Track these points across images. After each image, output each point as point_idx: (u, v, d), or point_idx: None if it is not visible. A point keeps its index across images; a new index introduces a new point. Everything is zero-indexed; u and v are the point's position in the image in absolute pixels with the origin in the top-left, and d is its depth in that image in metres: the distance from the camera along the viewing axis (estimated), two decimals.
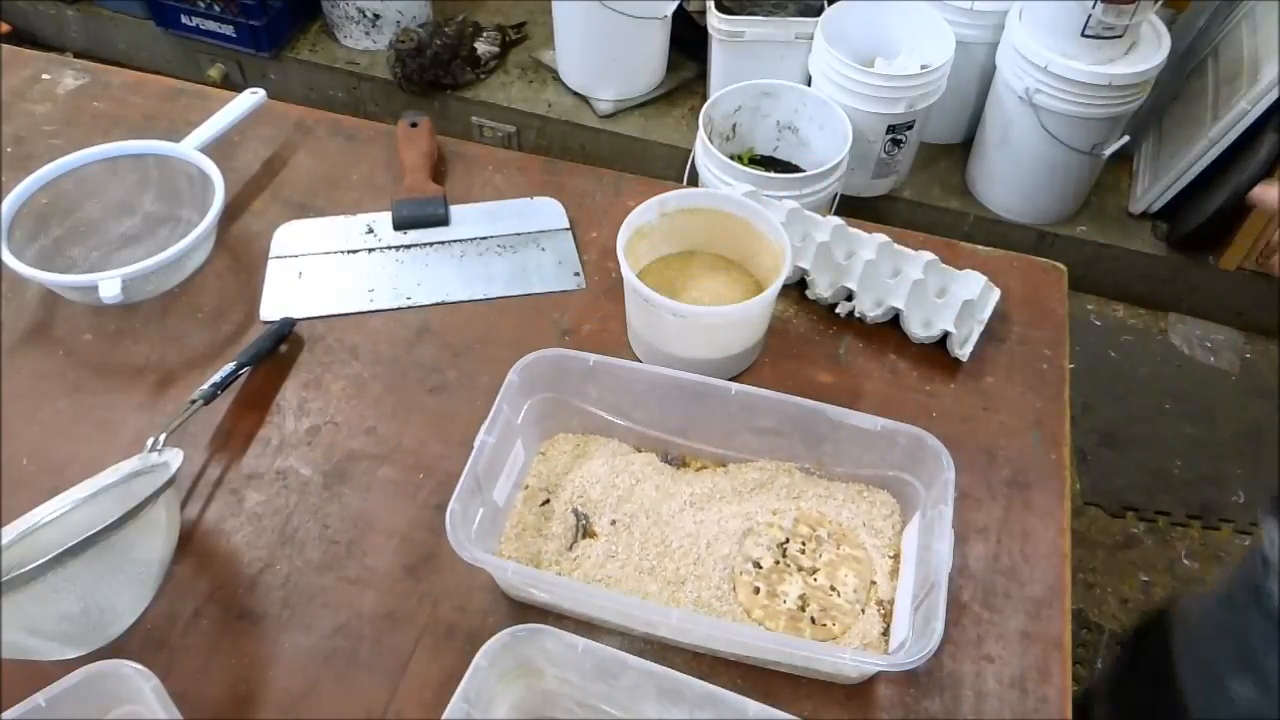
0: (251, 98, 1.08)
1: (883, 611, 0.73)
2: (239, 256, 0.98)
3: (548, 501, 0.79)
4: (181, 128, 1.03)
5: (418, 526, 0.78)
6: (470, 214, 1.02)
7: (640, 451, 0.82)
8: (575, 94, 2.16)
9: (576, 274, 0.97)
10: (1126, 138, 1.84)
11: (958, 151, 2.08)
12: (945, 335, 0.89)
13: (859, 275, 0.92)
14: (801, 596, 0.73)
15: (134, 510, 0.65)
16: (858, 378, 0.89)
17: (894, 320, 0.92)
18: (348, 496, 0.80)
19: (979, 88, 1.96)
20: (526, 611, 0.73)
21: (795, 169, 1.84)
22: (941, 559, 0.66)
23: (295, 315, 0.92)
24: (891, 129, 1.83)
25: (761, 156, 1.88)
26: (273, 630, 0.73)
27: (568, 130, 2.15)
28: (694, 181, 1.75)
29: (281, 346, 0.90)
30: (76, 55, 2.36)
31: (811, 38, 1.85)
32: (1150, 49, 1.75)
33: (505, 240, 1.00)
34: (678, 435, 0.81)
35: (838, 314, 0.93)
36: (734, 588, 0.73)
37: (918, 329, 0.90)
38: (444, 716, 0.59)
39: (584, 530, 0.77)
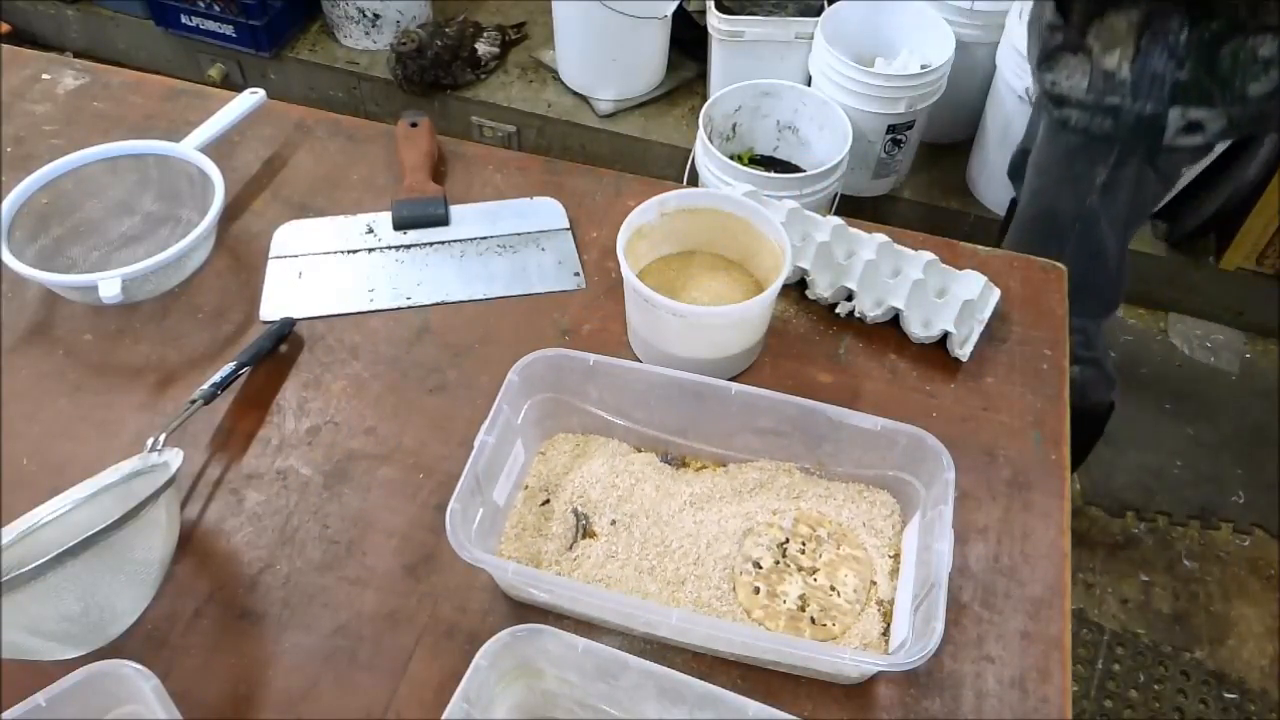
0: (251, 98, 1.08)
1: (883, 611, 0.73)
2: (239, 256, 0.98)
3: (548, 501, 0.79)
4: (181, 128, 1.03)
5: (418, 526, 0.78)
6: (470, 214, 1.02)
7: (640, 451, 0.82)
8: (575, 94, 2.16)
9: (576, 274, 0.97)
10: None
11: (958, 151, 2.08)
12: (945, 335, 0.89)
13: (859, 275, 0.92)
14: (801, 596, 0.73)
15: (134, 510, 0.65)
16: (858, 378, 0.89)
17: (894, 320, 0.92)
18: (348, 496, 0.80)
19: (979, 88, 1.96)
20: (526, 611, 0.73)
21: (795, 169, 1.84)
22: (941, 559, 0.66)
23: (295, 315, 0.92)
24: (891, 129, 1.83)
25: (761, 156, 1.88)
26: (273, 630, 0.73)
27: (568, 130, 2.15)
28: (694, 181, 1.75)
29: (281, 346, 0.90)
30: (76, 55, 2.36)
31: (811, 38, 1.85)
32: None
33: (505, 240, 1.00)
34: (678, 435, 0.81)
35: (838, 314, 0.93)
36: (734, 588, 0.73)
37: (918, 329, 0.90)
38: (444, 716, 0.59)
39: (584, 530, 0.77)
